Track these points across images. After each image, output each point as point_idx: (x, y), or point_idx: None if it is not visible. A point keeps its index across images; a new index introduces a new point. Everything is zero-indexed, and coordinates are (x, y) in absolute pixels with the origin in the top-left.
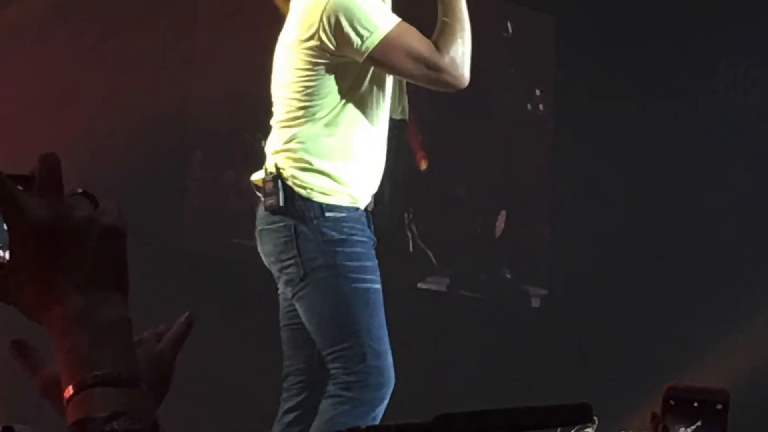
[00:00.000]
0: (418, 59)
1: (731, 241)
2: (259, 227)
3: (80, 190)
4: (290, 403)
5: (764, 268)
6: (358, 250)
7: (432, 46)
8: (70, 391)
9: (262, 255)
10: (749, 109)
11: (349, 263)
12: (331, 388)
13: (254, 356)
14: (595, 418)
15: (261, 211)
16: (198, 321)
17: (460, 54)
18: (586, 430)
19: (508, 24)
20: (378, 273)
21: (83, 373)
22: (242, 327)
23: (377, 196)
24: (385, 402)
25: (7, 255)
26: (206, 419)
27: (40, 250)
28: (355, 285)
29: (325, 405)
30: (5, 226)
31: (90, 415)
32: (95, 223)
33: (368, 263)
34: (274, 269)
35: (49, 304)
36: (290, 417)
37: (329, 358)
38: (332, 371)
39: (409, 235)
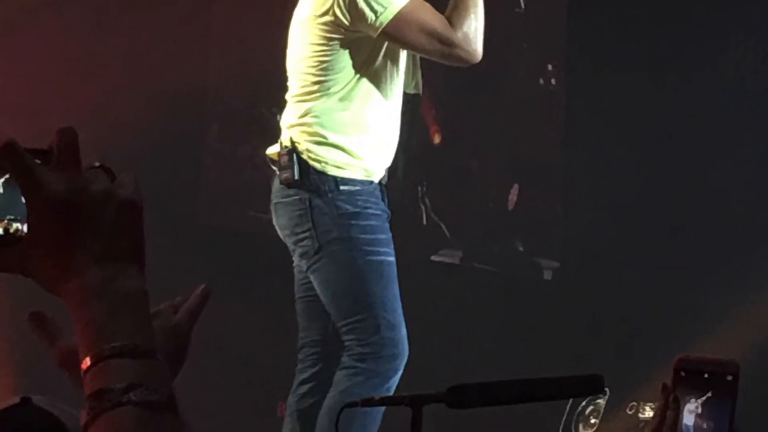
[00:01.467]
0: (432, 34)
1: (742, 214)
2: (274, 200)
3: (97, 164)
4: (305, 375)
5: None
6: (372, 223)
7: (445, 21)
8: (87, 362)
9: (277, 228)
10: (760, 83)
11: (363, 236)
12: (345, 359)
13: (269, 328)
14: (606, 389)
15: (276, 184)
16: (213, 293)
17: (473, 29)
18: (598, 400)
19: (521, 0)
20: (392, 246)
21: (100, 345)
22: (257, 299)
23: (391, 170)
24: (399, 373)
25: (24, 228)
26: (221, 390)
27: (58, 223)
28: (369, 258)
29: (339, 376)
30: (23, 200)
31: (107, 386)
32: (112, 196)
33: (382, 236)
34: (289, 242)
35: (66, 277)
36: (305, 388)
37: (344, 330)
38: (347, 343)
39: (423, 208)
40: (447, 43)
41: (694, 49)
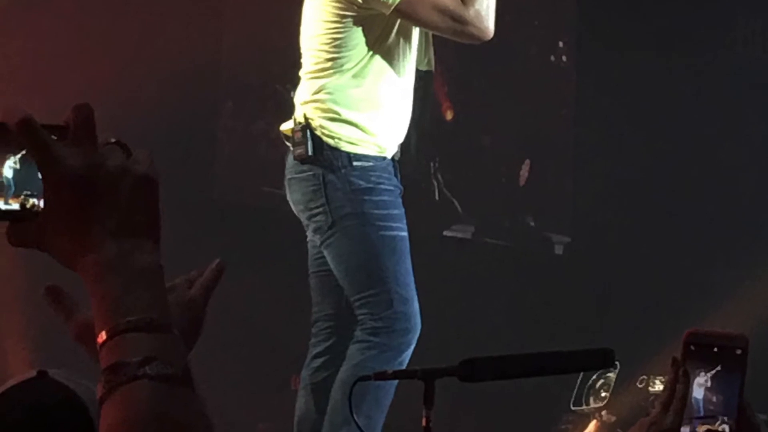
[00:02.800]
0: (444, 12)
1: (750, 191)
2: (288, 176)
3: (113, 140)
4: (319, 348)
5: None
6: (385, 198)
7: None
8: (103, 336)
9: (291, 203)
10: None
11: (376, 211)
12: (358, 333)
13: (283, 303)
14: (617, 363)
15: (290, 160)
16: (228, 268)
17: (485, 7)
18: (608, 374)
19: None
20: (404, 221)
21: (116, 319)
22: (271, 274)
23: (404, 146)
24: (412, 347)
25: (41, 203)
26: (236, 364)
27: (74, 198)
28: (382, 233)
29: (352, 350)
30: (39, 175)
31: (123, 360)
32: (128, 171)
33: (395, 211)
34: (302, 217)
35: (82, 251)
36: (318, 362)
37: (357, 304)
38: (360, 317)
39: (435, 183)
40: (459, 20)
41: (703, 27)
